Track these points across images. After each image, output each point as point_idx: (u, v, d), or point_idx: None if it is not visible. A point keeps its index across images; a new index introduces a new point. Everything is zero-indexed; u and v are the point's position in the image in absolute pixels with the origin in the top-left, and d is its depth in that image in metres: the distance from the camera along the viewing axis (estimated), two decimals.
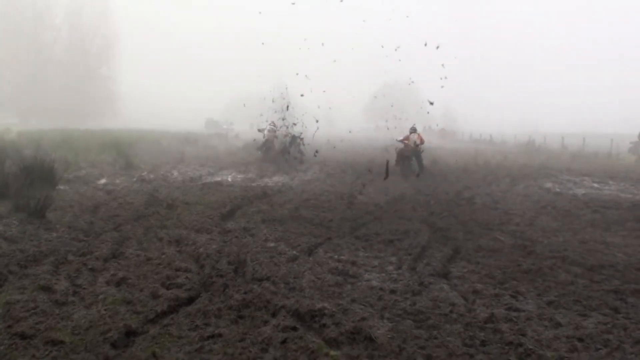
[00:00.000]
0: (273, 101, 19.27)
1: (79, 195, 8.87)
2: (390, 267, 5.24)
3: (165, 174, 12.94)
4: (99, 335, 3.32)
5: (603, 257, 5.69)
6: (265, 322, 3.64)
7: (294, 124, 18.73)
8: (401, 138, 15.15)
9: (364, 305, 4.05)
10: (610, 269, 5.24)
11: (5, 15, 48.13)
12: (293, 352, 3.19)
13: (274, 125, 18.88)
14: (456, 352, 3.27)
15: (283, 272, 4.78)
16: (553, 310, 4.10)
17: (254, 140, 20.14)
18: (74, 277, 4.48)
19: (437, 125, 50.08)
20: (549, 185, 12.65)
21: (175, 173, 13.30)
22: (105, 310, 3.72)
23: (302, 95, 18.53)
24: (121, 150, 16.00)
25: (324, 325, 3.58)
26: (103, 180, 11.19)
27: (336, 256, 5.56)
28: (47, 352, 3.09)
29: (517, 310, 4.08)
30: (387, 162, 8.16)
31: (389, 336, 3.44)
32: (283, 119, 18.68)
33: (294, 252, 5.62)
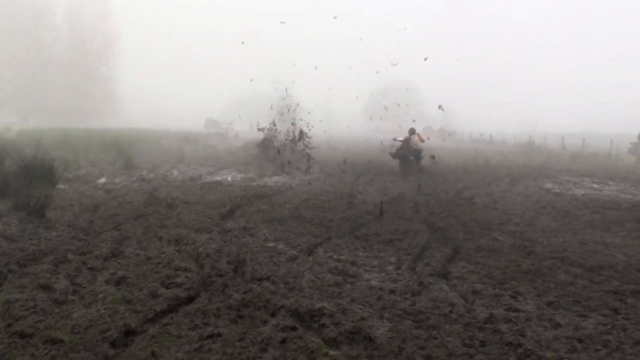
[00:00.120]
0: (272, 107, 19.24)
1: (79, 194, 8.87)
2: (390, 267, 5.24)
3: (165, 173, 12.95)
4: (99, 334, 3.32)
5: (603, 258, 5.68)
6: (265, 322, 3.64)
7: (300, 120, 18.62)
8: (401, 138, 15.14)
9: (363, 305, 4.05)
10: (609, 270, 5.23)
11: (5, 15, 48.21)
12: (292, 351, 3.19)
13: (274, 125, 18.86)
14: (456, 352, 3.26)
15: (282, 272, 4.78)
16: (553, 310, 4.10)
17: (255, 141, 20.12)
18: (73, 276, 4.48)
19: (439, 127, 50.12)
20: (548, 185, 12.65)
21: (175, 172, 13.30)
22: (104, 309, 3.72)
23: (297, 104, 18.50)
24: (121, 149, 15.99)
25: (324, 325, 3.58)
26: (103, 180, 11.19)
27: (336, 256, 5.56)
28: (46, 351, 3.09)
29: (516, 310, 4.07)
30: (381, 202, 8.27)
31: (388, 336, 3.44)
32: (287, 111, 18.51)
33: (294, 251, 5.62)
